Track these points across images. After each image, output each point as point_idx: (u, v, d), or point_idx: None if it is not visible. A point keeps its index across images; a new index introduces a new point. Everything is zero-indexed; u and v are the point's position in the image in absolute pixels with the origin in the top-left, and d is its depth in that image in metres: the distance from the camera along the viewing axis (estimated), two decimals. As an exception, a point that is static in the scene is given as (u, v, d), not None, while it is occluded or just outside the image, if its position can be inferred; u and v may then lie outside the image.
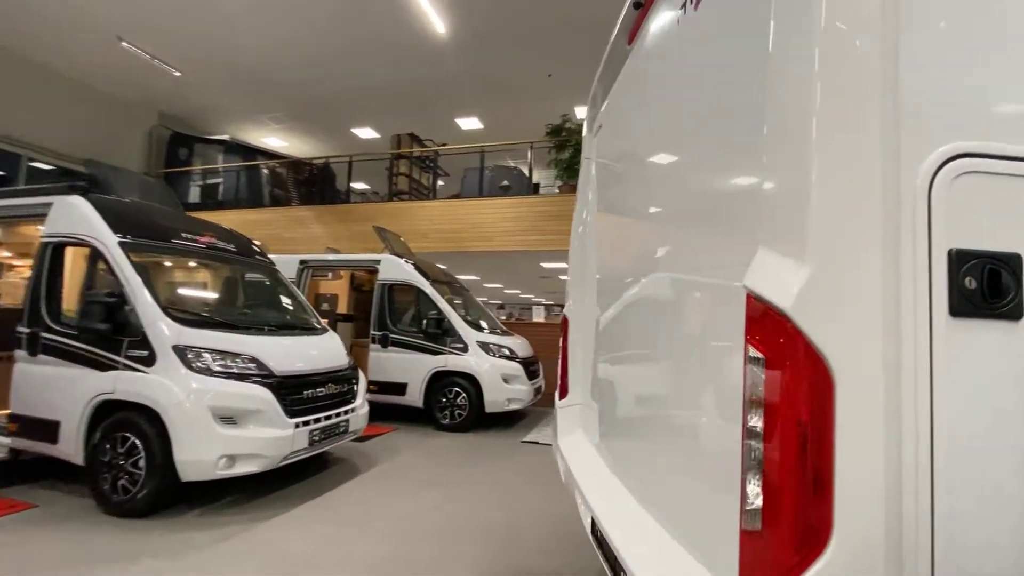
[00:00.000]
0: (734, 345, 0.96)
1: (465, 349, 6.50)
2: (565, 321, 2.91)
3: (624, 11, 2.13)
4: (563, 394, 2.85)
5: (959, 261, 0.76)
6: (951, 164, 0.78)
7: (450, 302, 6.86)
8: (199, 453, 3.06)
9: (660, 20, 1.80)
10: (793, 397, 0.79)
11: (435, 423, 6.53)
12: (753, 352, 0.87)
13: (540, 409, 7.78)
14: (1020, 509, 0.75)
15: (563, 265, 12.01)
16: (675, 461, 1.39)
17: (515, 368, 6.58)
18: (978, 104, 0.83)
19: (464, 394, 6.41)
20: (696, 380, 1.28)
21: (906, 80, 0.79)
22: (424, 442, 5.88)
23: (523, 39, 8.77)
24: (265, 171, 12.16)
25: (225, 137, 13.09)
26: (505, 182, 9.98)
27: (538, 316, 12.39)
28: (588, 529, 2.01)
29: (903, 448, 0.75)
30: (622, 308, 2.04)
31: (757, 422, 0.85)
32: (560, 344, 2.93)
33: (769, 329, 0.83)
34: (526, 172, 10.31)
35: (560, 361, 2.90)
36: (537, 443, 6.02)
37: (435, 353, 6.57)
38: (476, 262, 11.26)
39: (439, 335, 6.58)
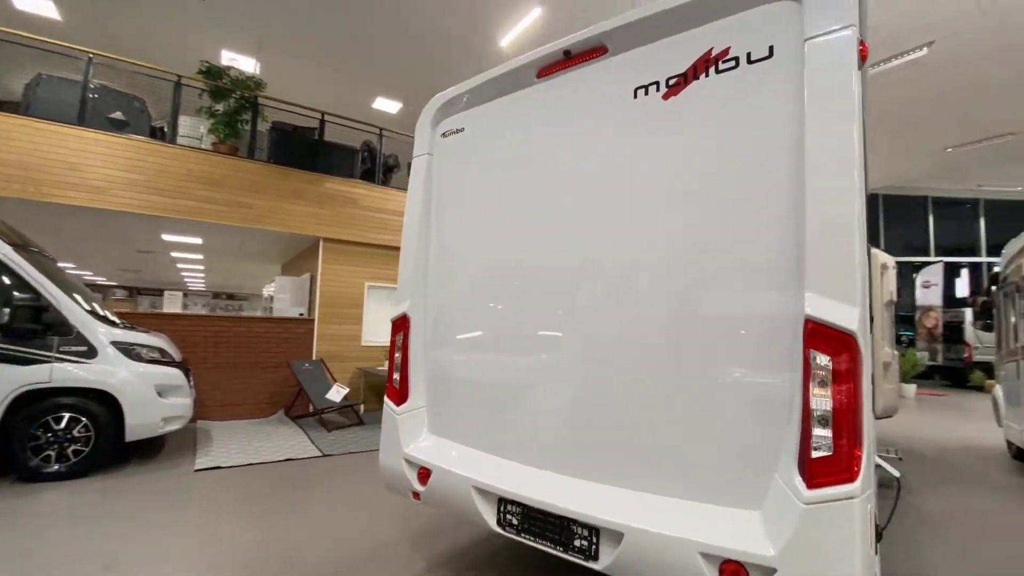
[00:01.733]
0: (787, 349, 1.57)
1: (91, 353, 4.43)
2: (405, 320, 2.78)
3: (545, 49, 2.40)
4: (402, 399, 2.72)
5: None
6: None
7: (55, 281, 4.49)
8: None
9: (614, 83, 2.16)
10: (850, 377, 1.46)
11: (24, 471, 4.13)
12: (819, 354, 1.48)
13: (191, 426, 6.07)
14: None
15: (193, 240, 9.61)
16: (702, 440, 1.80)
17: (175, 376, 4.99)
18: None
19: (86, 422, 4.35)
20: (740, 376, 1.76)
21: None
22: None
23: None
24: None
25: None
26: (120, 114, 7.14)
27: (172, 306, 9.34)
28: (497, 521, 2.16)
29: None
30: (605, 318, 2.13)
31: (824, 393, 1.47)
32: (399, 344, 2.77)
33: (835, 340, 1.47)
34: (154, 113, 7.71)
35: (400, 363, 2.75)
36: (220, 468, 4.82)
37: (27, 362, 4.15)
38: (58, 222, 7.52)
39: (37, 333, 4.21)
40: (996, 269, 6.83)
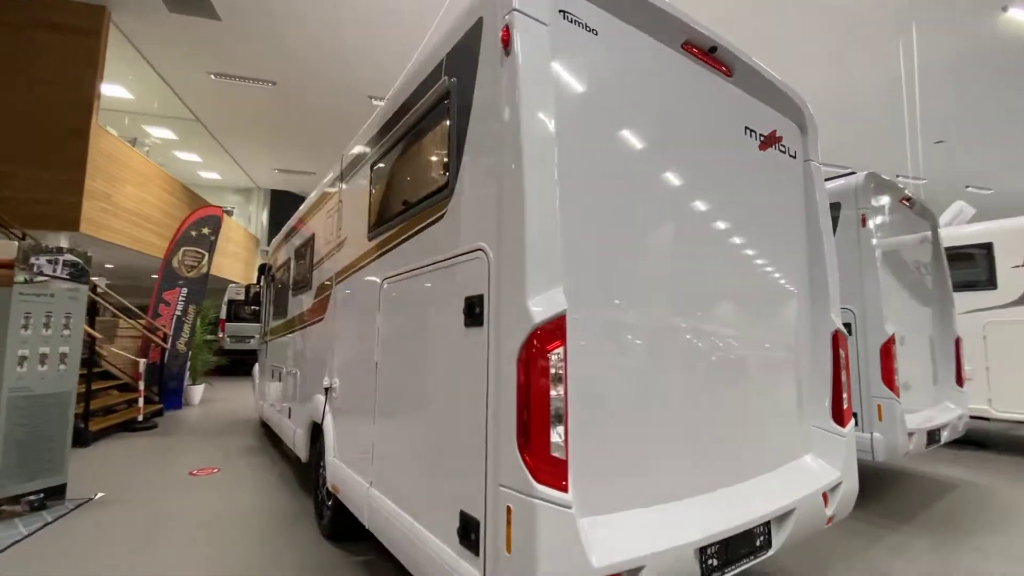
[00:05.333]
0: (814, 343, 2.59)
1: None
2: (562, 325, 1.56)
3: (699, 24, 2.19)
4: (564, 477, 1.48)
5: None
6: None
7: None
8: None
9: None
10: (847, 356, 2.68)
11: None
12: (841, 348, 2.61)
13: None
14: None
15: None
16: (782, 415, 2.34)
17: None
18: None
19: None
20: (793, 361, 2.44)
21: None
22: None
23: None
24: None
25: None
26: None
27: None
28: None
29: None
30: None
31: (845, 370, 2.61)
32: (554, 371, 1.51)
33: (843, 338, 2.64)
34: None
35: (562, 409, 1.50)
36: None
37: None
38: None
39: None
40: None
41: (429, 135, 2.19)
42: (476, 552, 1.53)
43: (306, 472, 4.82)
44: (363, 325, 2.74)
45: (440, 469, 1.80)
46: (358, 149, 3.06)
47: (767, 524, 2.03)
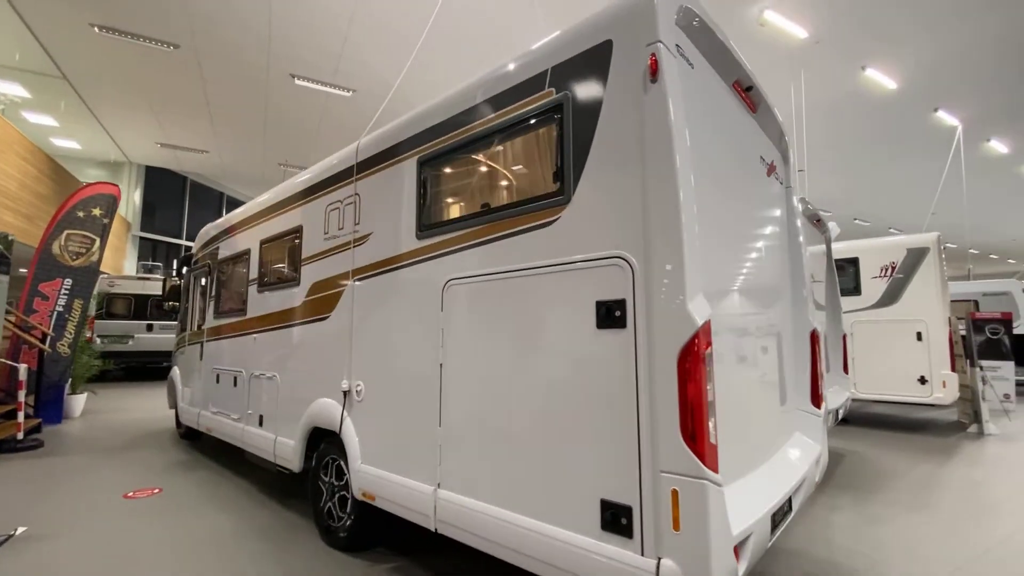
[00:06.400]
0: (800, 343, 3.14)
1: None
2: (708, 333, 1.78)
3: (743, 61, 2.54)
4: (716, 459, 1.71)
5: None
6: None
7: None
8: None
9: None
10: (819, 351, 3.25)
11: None
12: (816, 342, 3.18)
13: None
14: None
15: None
16: (792, 388, 2.82)
17: None
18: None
19: None
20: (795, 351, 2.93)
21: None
22: None
23: None
24: None
25: None
26: None
27: None
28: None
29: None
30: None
31: (821, 359, 3.17)
32: (708, 374, 1.73)
33: (818, 336, 3.21)
34: None
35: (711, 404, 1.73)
36: None
37: None
38: None
39: None
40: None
41: (523, 141, 2.24)
42: (628, 535, 1.67)
43: (285, 483, 4.43)
44: (412, 325, 2.67)
45: (567, 464, 1.89)
46: (391, 142, 2.95)
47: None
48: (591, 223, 1.91)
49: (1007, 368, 9.07)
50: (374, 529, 3.02)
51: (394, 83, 10.44)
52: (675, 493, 1.58)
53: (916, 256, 7.35)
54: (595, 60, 1.95)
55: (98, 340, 10.94)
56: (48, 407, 6.52)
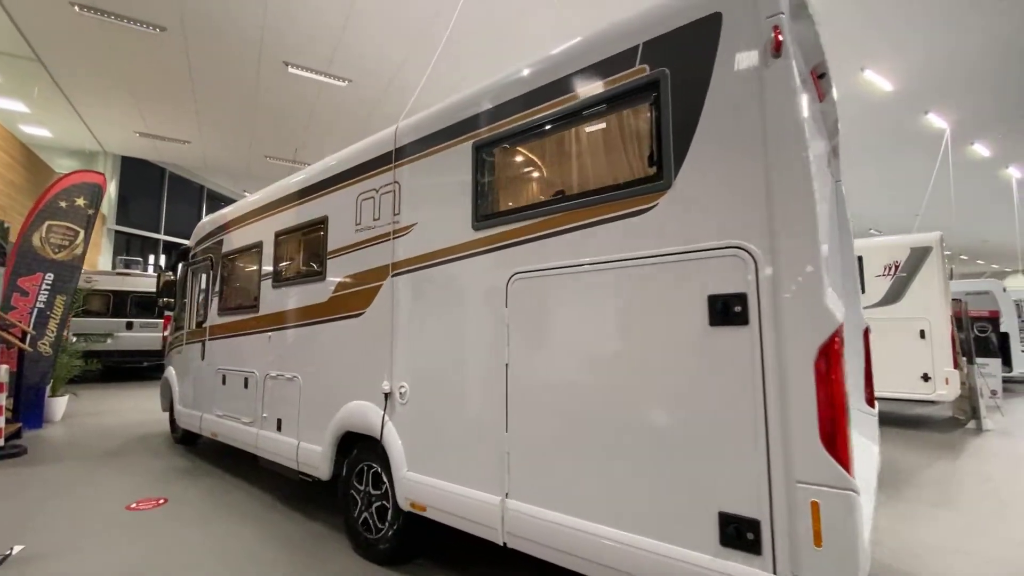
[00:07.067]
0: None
1: None
2: (840, 336, 1.64)
3: (822, 48, 2.42)
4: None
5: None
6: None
7: None
8: None
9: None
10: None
11: None
12: (868, 340, 3.10)
13: None
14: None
15: None
16: None
17: None
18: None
19: None
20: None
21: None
22: None
23: None
24: None
25: None
26: None
27: None
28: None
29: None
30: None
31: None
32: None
33: (869, 334, 3.13)
34: None
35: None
36: None
37: None
38: None
39: None
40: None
41: (605, 122, 2.08)
42: (755, 551, 1.52)
43: (302, 491, 4.17)
44: (469, 322, 2.48)
45: (674, 473, 1.73)
46: (439, 125, 2.75)
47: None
48: (697, 210, 1.76)
49: (994, 365, 9.34)
50: (418, 541, 2.82)
51: (389, 74, 10.16)
52: (815, 506, 1.44)
53: (919, 255, 7.45)
54: (701, 34, 1.79)
55: (73, 339, 10.34)
56: (28, 411, 6.08)
